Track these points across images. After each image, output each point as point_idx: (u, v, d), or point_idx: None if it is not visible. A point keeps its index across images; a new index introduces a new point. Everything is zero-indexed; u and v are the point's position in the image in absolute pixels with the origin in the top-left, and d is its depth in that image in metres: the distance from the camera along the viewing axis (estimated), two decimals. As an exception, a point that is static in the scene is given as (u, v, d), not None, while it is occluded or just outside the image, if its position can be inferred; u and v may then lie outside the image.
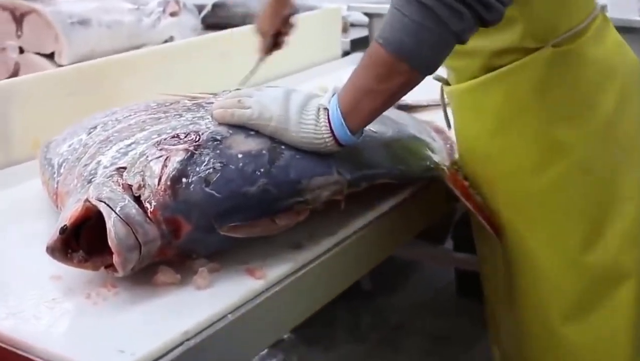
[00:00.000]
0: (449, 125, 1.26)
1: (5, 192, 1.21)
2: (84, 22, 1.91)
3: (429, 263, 2.52)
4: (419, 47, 0.92)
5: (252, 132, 0.98)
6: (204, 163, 0.92)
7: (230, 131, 0.98)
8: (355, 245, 1.07)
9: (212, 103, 1.11)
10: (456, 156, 1.32)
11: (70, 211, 0.88)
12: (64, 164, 1.04)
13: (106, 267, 0.89)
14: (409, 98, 1.60)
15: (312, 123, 0.97)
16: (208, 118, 1.02)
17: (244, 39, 1.91)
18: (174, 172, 0.90)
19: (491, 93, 1.10)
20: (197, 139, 0.95)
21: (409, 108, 1.60)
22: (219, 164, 0.92)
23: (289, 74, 1.99)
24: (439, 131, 1.42)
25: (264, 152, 0.95)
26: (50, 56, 1.88)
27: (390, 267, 1.93)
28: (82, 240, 0.89)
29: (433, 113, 1.61)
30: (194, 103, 1.10)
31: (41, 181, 1.10)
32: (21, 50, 1.88)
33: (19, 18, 1.86)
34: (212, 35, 1.97)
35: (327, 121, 0.96)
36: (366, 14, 2.31)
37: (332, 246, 1.03)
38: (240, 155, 0.94)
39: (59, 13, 1.87)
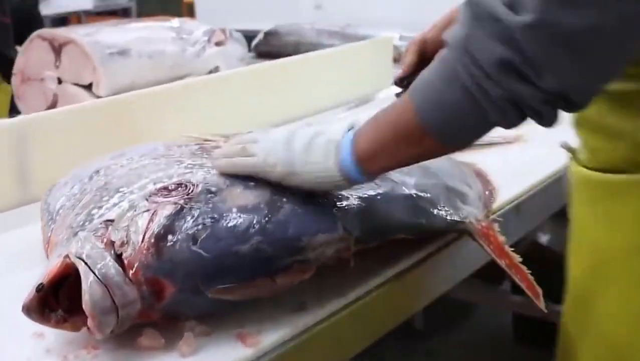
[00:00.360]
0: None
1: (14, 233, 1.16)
2: (123, 53, 1.88)
3: (483, 305, 2.41)
4: (451, 126, 0.82)
5: (252, 183, 0.90)
6: (194, 219, 0.84)
7: (228, 182, 0.90)
8: (368, 307, 0.97)
9: (220, 147, 1.04)
10: (494, 205, 1.22)
11: (49, 267, 0.82)
12: (60, 211, 0.98)
13: (88, 328, 0.82)
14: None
15: (320, 162, 0.88)
16: (208, 166, 0.95)
17: (293, 70, 1.87)
18: (159, 229, 0.83)
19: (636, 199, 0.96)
20: (189, 191, 0.87)
21: (450, 149, 1.50)
22: (209, 220, 0.84)
23: (333, 107, 1.92)
24: (479, 175, 1.32)
25: (261, 205, 0.87)
26: (89, 87, 1.85)
27: (444, 305, 1.83)
28: (63, 297, 0.83)
29: (479, 153, 1.52)
30: (200, 147, 1.03)
31: (41, 226, 1.05)
32: (59, 81, 1.85)
33: (57, 48, 1.83)
34: (258, 66, 1.91)
35: (337, 158, 0.87)
36: (419, 44, 2.22)
37: (340, 308, 0.94)
38: (234, 210, 0.86)
39: (97, 43, 1.84)
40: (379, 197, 0.96)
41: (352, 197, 0.94)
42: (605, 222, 1.00)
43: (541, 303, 1.06)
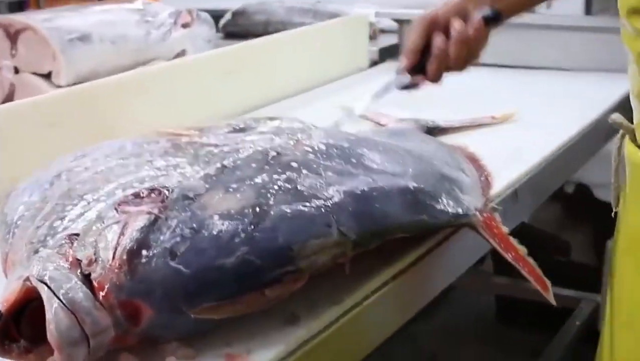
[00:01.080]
0: (615, 204, 1.03)
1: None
2: (84, 38, 1.75)
3: (466, 288, 2.34)
4: None
5: (233, 185, 0.81)
6: (171, 230, 0.74)
7: (207, 185, 0.80)
8: (366, 314, 0.88)
9: (196, 143, 0.94)
10: (492, 191, 1.14)
11: (8, 292, 0.72)
12: (19, 222, 0.87)
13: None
14: (441, 120, 1.45)
15: None
16: (184, 167, 0.85)
17: (264, 51, 1.77)
18: (131, 244, 0.73)
19: None
20: (164, 198, 0.77)
21: (439, 131, 1.41)
22: (188, 231, 0.74)
23: (306, 89, 1.82)
24: (473, 159, 1.23)
25: (245, 210, 0.78)
26: (48, 76, 1.73)
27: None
28: (26, 325, 0.73)
29: (467, 135, 1.44)
30: (173, 145, 0.93)
31: (-3, 239, 0.95)
32: (16, 70, 1.73)
33: (13, 35, 1.71)
34: (228, 49, 1.80)
35: None
36: (396, 20, 2.13)
37: (336, 318, 0.85)
38: (216, 218, 0.76)
39: (56, 29, 1.71)
40: (375, 193, 0.87)
41: (345, 194, 0.85)
42: None
43: (550, 296, 0.98)
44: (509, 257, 0.96)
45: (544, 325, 1.93)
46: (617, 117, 0.97)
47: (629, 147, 0.97)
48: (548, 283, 0.98)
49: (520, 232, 1.14)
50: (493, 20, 1.16)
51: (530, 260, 0.98)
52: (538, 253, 1.00)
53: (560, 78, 1.80)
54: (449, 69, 1.19)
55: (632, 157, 0.96)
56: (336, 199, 0.83)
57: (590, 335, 1.86)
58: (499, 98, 1.65)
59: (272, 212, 0.78)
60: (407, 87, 1.09)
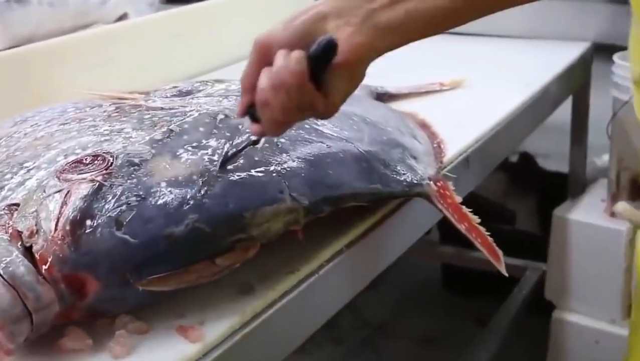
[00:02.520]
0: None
1: None
2: (21, 1, 1.68)
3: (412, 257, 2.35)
4: None
5: (180, 151, 0.77)
6: (116, 199, 0.71)
7: (153, 151, 0.77)
8: (320, 283, 0.86)
9: (140, 107, 0.90)
10: (445, 157, 1.12)
11: (-57, 266, 0.68)
12: (-47, 192, 0.83)
13: (-3, 333, 0.68)
14: (389, 86, 1.43)
15: None
16: (128, 131, 0.81)
17: (209, 15, 1.72)
18: (74, 213, 0.69)
19: None
20: (108, 165, 0.74)
21: (387, 98, 1.39)
22: (134, 198, 0.71)
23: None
24: (424, 126, 1.22)
25: (194, 177, 0.74)
26: (-17, 40, 1.65)
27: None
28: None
29: (416, 101, 1.42)
30: (117, 108, 0.89)
31: None
32: (-52, 34, 1.65)
33: (-57, -3, 1.63)
34: (167, 13, 1.75)
35: None
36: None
37: (291, 287, 0.82)
38: (163, 184, 0.73)
39: (-10, -10, 1.64)
40: (328, 160, 0.84)
41: (298, 160, 0.82)
42: None
43: (502, 267, 0.97)
44: (462, 227, 0.95)
45: (489, 293, 1.95)
46: (623, 208, 0.88)
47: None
48: (500, 253, 0.97)
49: (466, 201, 1.14)
50: (323, 60, 0.73)
51: (483, 230, 0.97)
52: (484, 222, 0.99)
53: (508, 45, 1.80)
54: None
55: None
56: (288, 165, 0.80)
57: (536, 303, 1.88)
58: (447, 66, 1.63)
59: (222, 178, 0.75)
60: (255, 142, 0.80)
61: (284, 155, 0.81)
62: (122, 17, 1.94)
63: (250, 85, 0.76)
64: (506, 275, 0.96)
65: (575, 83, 1.70)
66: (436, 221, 1.14)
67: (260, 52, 0.76)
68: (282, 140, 0.83)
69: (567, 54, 1.68)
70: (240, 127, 0.83)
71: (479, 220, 0.97)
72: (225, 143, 0.79)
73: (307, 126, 0.89)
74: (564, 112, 1.75)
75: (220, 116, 0.85)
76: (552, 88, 1.56)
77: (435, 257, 2.20)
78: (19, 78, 1.29)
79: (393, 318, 2.18)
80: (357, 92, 1.34)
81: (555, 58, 1.66)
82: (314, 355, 1.97)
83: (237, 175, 0.76)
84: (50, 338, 0.72)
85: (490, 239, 0.96)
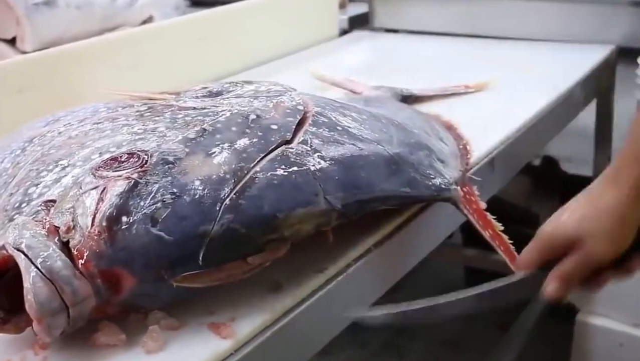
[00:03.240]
0: None
1: None
2: (49, 3, 1.71)
3: (435, 259, 2.34)
4: None
5: (214, 150, 0.78)
6: (151, 196, 0.72)
7: (187, 149, 0.78)
8: (348, 282, 0.87)
9: (172, 106, 0.91)
10: (471, 159, 1.13)
11: (-18, 261, 0.69)
12: (-11, 189, 0.84)
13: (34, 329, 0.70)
14: (414, 88, 1.44)
15: None
16: (162, 130, 0.82)
17: (233, 19, 1.74)
18: (110, 209, 0.70)
19: None
20: (143, 162, 0.75)
21: (413, 100, 1.40)
22: (169, 196, 0.72)
23: (275, 58, 1.79)
24: (450, 127, 1.22)
25: (227, 176, 0.75)
26: (13, 42, 1.68)
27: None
28: (2, 294, 0.71)
29: (441, 103, 1.42)
30: (149, 108, 0.90)
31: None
32: (-22, 36, 1.68)
33: (-26, -1, 1.66)
34: (193, 16, 1.77)
35: None
36: (366, -13, 2.11)
37: (319, 286, 0.83)
38: (197, 183, 0.74)
39: (20, -7, 1.67)
40: (361, 162, 0.84)
41: (332, 162, 0.82)
42: None
43: (522, 275, 0.98)
44: (486, 234, 0.96)
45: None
46: None
47: None
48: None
49: (490, 204, 1.14)
50: None
51: (506, 238, 0.97)
52: (508, 225, 1.00)
53: (533, 48, 1.80)
54: None
55: None
56: (322, 167, 0.81)
57: (559, 306, 1.87)
58: (472, 68, 1.63)
59: (257, 179, 0.76)
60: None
61: (318, 156, 0.82)
62: (148, 20, 1.97)
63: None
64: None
65: (599, 86, 1.70)
66: (460, 223, 1.14)
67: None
68: (316, 141, 0.84)
69: (591, 58, 1.68)
70: (272, 126, 0.84)
71: (502, 228, 0.97)
72: (258, 143, 0.80)
73: (339, 127, 0.89)
74: (588, 115, 1.74)
75: (252, 116, 0.86)
76: (576, 91, 1.56)
77: (458, 259, 2.19)
78: (48, 80, 1.30)
79: (415, 321, 2.18)
80: (383, 94, 1.37)
81: (579, 61, 1.66)
82: (337, 357, 1.98)
83: (273, 176, 0.77)
84: (84, 333, 0.73)
85: (512, 247, 0.97)
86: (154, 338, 0.72)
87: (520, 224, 2.11)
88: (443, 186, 0.92)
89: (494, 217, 0.99)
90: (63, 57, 1.36)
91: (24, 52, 1.66)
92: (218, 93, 0.98)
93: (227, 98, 0.95)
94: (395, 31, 2.03)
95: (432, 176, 0.92)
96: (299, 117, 0.88)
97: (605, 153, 1.84)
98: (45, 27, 1.69)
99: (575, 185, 2.10)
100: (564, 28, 1.84)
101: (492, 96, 1.46)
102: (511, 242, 0.97)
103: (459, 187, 0.95)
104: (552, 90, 1.47)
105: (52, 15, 1.70)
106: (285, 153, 0.80)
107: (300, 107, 0.91)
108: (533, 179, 2.28)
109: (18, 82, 1.25)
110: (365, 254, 0.90)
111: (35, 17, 1.67)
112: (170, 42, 1.57)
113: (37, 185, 0.78)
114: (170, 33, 1.60)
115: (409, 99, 1.39)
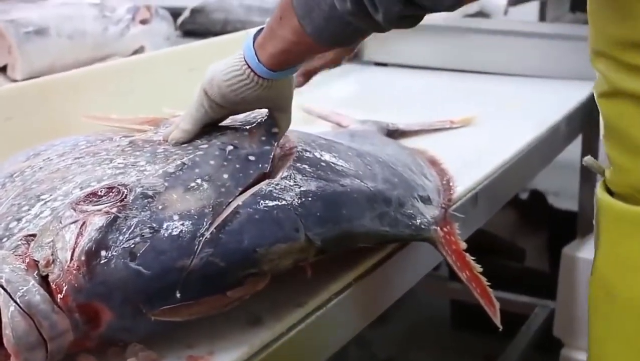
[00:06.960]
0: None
1: None
2: (40, 32, 1.71)
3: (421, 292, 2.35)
4: (309, 10, 0.81)
5: (193, 184, 0.79)
6: (130, 230, 0.72)
7: (166, 183, 0.78)
8: (328, 316, 0.87)
9: (153, 141, 0.92)
10: (454, 195, 1.14)
11: (-38, 295, 0.69)
12: (-29, 223, 0.84)
13: (10, 361, 0.70)
14: (400, 122, 1.45)
15: (229, 59, 0.91)
16: (142, 165, 0.83)
17: (223, 49, 1.75)
18: (89, 244, 0.71)
19: None
20: (123, 197, 0.75)
21: (398, 134, 1.41)
22: (148, 230, 0.73)
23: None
24: (434, 163, 1.24)
25: (206, 210, 0.76)
26: (3, 70, 1.69)
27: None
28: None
29: (426, 138, 1.44)
30: (130, 143, 0.91)
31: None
32: (-31, 64, 1.69)
33: (-34, 28, 1.66)
34: (184, 47, 1.78)
35: (242, 51, 0.90)
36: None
37: (298, 320, 0.84)
38: (176, 217, 0.74)
39: (11, 22, 1.67)
40: (343, 199, 0.85)
41: (314, 198, 0.83)
42: (624, 267, 0.85)
43: (497, 320, 0.99)
44: (463, 276, 0.96)
45: (498, 330, 1.94)
46: (589, 159, 0.91)
47: (599, 190, 0.88)
48: (497, 305, 0.98)
49: (476, 238, 1.15)
50: None
51: (483, 280, 0.98)
52: (493, 259, 1.00)
53: (519, 84, 1.82)
54: None
55: (601, 202, 0.87)
56: (304, 202, 0.81)
57: (544, 341, 1.88)
58: (457, 103, 1.65)
59: (238, 213, 0.77)
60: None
61: (300, 191, 0.83)
62: (139, 50, 1.98)
63: None
64: (500, 328, 0.97)
65: (585, 121, 1.72)
66: (442, 259, 1.15)
67: None
68: (299, 176, 0.85)
69: (577, 93, 1.70)
70: (250, 157, 0.85)
71: (480, 269, 0.98)
72: (236, 176, 0.81)
73: (322, 163, 0.90)
74: (575, 149, 1.76)
75: (229, 147, 0.86)
76: (562, 126, 1.58)
77: (444, 293, 2.20)
78: (38, 109, 1.31)
79: (401, 353, 2.18)
80: (369, 128, 1.38)
81: (565, 97, 1.68)
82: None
83: (255, 211, 0.78)
84: (62, 366, 0.73)
85: (489, 290, 0.98)
86: (132, 371, 0.73)
87: (506, 258, 2.13)
88: (423, 226, 0.94)
89: (478, 250, 1.00)
90: (53, 85, 1.37)
91: (14, 80, 1.66)
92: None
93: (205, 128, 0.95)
94: (384, 65, 2.05)
95: (412, 215, 0.94)
96: (274, 143, 0.89)
97: (591, 188, 1.85)
98: (36, 55, 1.69)
99: (562, 218, 2.12)
100: (550, 64, 1.87)
101: (478, 131, 1.47)
102: (489, 284, 0.97)
103: (438, 227, 0.96)
104: (537, 126, 1.49)
105: (44, 44, 1.71)
106: (268, 188, 0.81)
107: (275, 130, 0.92)
108: (520, 213, 2.29)
109: (7, 109, 1.26)
110: (346, 289, 0.91)
111: (26, 46, 1.67)
112: (161, 72, 1.58)
113: (18, 220, 0.78)
114: (162, 63, 1.61)
115: (394, 133, 1.41)
